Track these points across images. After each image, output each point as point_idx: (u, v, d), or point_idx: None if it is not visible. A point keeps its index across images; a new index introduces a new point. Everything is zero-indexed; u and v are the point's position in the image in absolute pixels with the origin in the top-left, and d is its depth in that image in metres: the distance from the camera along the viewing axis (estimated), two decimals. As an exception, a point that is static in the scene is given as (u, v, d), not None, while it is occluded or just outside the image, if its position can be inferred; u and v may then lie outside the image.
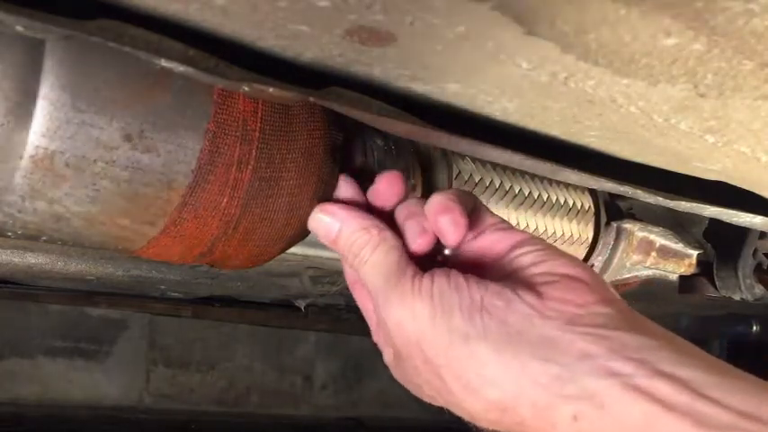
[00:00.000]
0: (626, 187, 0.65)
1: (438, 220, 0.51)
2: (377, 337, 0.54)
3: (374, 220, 0.53)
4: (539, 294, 0.46)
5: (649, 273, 1.01)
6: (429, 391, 0.50)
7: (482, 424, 0.47)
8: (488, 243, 0.52)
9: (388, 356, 0.52)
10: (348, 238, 0.53)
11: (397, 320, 0.48)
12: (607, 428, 0.40)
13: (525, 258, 0.50)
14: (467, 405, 0.46)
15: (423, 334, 0.46)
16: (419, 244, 0.52)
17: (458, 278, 0.47)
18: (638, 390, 0.39)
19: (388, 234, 0.52)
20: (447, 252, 0.54)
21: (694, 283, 1.09)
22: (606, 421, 0.40)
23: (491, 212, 0.55)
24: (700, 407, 0.38)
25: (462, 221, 0.51)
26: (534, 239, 0.52)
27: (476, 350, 0.44)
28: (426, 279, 0.48)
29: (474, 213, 0.53)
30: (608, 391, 0.40)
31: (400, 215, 0.55)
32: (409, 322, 0.47)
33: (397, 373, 0.53)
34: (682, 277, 1.08)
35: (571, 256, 0.51)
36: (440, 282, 0.47)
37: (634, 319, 0.45)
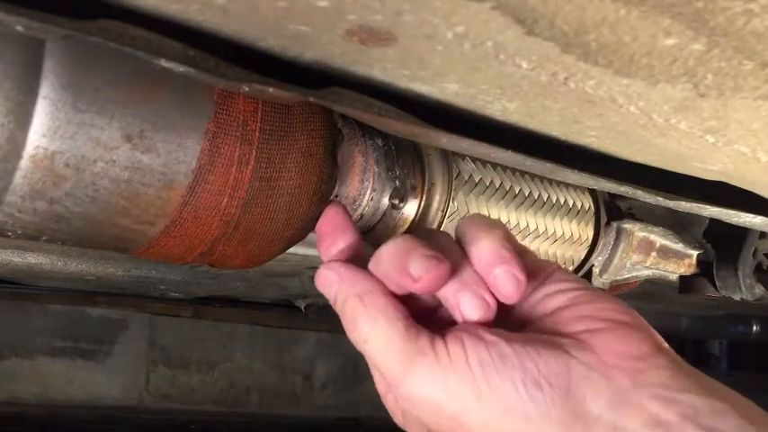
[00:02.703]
0: (626, 187, 0.65)
1: (495, 275, 0.44)
2: (394, 413, 0.47)
3: (370, 282, 0.45)
4: (592, 349, 0.41)
5: (649, 273, 1.01)
6: None
7: None
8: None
9: (398, 418, 0.47)
10: (342, 306, 0.46)
11: (427, 400, 0.41)
12: None
13: (557, 299, 0.45)
14: None
15: (466, 413, 0.40)
16: (480, 317, 0.44)
17: (498, 344, 0.41)
18: None
19: (387, 302, 0.44)
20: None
21: (694, 283, 1.09)
22: None
23: (517, 241, 0.49)
24: None
25: (522, 276, 0.43)
26: (562, 273, 0.46)
27: (538, 429, 0.39)
28: (454, 346, 0.41)
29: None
30: None
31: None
32: (445, 401, 0.41)
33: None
34: (682, 277, 1.08)
35: (606, 294, 0.46)
36: (475, 350, 0.41)
37: (693, 373, 0.41)
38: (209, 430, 1.95)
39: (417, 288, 0.44)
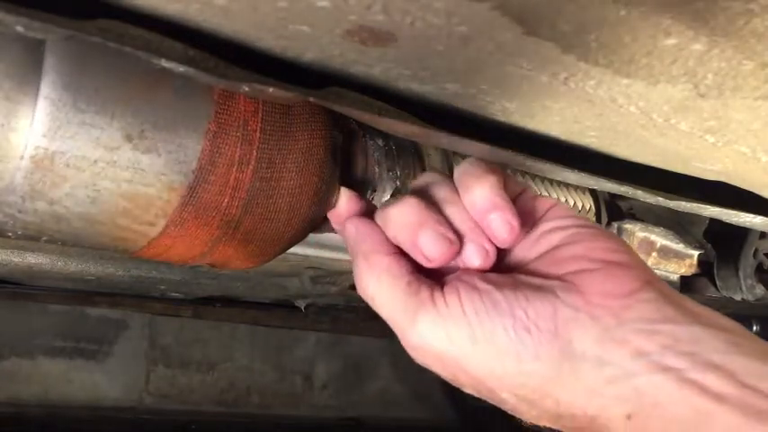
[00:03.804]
0: (626, 187, 0.65)
1: (489, 221, 0.46)
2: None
3: (377, 240, 0.48)
4: (579, 290, 0.43)
5: (649, 273, 1.01)
6: (474, 392, 0.46)
7: (530, 422, 0.45)
8: None
9: (418, 360, 0.48)
10: (353, 261, 0.48)
11: (431, 348, 0.44)
12: (661, 424, 0.39)
13: (554, 237, 0.47)
14: (523, 413, 0.44)
15: (465, 357, 0.43)
16: (481, 265, 0.46)
17: (491, 292, 0.44)
18: (690, 383, 0.39)
19: (391, 261, 0.47)
20: None
21: (695, 284, 1.09)
22: (660, 417, 0.39)
23: (516, 181, 0.51)
24: (749, 398, 0.37)
25: (515, 222, 0.46)
26: (561, 208, 0.48)
27: (529, 369, 0.42)
28: (451, 296, 0.44)
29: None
30: (662, 386, 0.39)
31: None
32: (446, 347, 0.44)
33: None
34: (682, 277, 1.08)
35: (602, 232, 0.47)
36: (470, 298, 0.44)
37: (679, 304, 0.43)
38: (209, 430, 1.95)
39: (428, 265, 0.47)
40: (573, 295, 0.43)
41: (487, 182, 0.47)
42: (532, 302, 0.43)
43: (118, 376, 1.89)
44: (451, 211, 0.48)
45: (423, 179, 0.53)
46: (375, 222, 0.49)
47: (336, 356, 2.16)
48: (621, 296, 0.43)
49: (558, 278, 0.44)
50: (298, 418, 2.10)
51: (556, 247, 0.46)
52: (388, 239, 0.48)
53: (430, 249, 0.45)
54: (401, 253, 0.47)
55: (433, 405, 2.18)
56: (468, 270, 0.47)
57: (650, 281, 0.44)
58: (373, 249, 0.47)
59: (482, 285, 0.44)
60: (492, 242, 0.47)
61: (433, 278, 0.47)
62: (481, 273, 0.46)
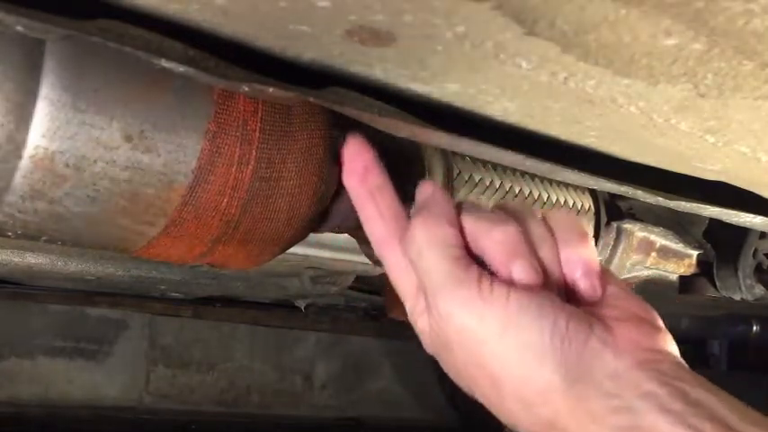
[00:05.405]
0: (626, 187, 0.65)
1: (579, 280, 0.50)
2: (416, 315, 0.51)
3: (448, 211, 0.49)
4: (611, 331, 0.46)
5: (649, 273, 1.01)
6: (471, 386, 0.48)
7: (520, 429, 0.47)
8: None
9: (426, 338, 0.50)
10: (417, 213, 0.49)
11: (459, 322, 0.46)
12: None
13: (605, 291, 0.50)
14: (514, 414, 0.46)
15: (487, 343, 0.45)
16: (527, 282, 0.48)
17: (540, 295, 0.46)
18: (687, 427, 0.41)
19: (451, 231, 0.48)
20: None
21: (694, 283, 1.09)
22: None
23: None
24: None
25: (600, 288, 0.50)
26: (615, 277, 0.52)
27: (547, 375, 0.44)
28: (500, 287, 0.46)
29: None
30: (660, 425, 0.41)
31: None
32: (475, 325, 0.46)
33: (435, 354, 0.50)
34: (682, 277, 1.08)
35: (642, 299, 0.51)
36: (518, 294, 0.46)
37: (695, 374, 0.45)
38: (209, 430, 1.95)
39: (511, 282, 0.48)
40: (605, 332, 0.46)
41: (588, 244, 0.51)
42: (573, 320, 0.45)
43: (118, 376, 1.89)
44: (545, 254, 0.50)
45: (512, 206, 0.55)
46: (448, 195, 0.51)
47: (336, 356, 2.16)
48: (646, 349, 0.46)
49: (599, 316, 0.47)
50: (298, 418, 2.10)
51: (603, 296, 0.50)
52: (452, 212, 0.50)
53: (520, 276, 0.47)
54: (462, 231, 0.49)
55: (433, 405, 2.18)
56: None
57: (675, 350, 0.48)
58: (442, 216, 0.49)
59: (534, 288, 0.47)
60: (540, 265, 0.49)
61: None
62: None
